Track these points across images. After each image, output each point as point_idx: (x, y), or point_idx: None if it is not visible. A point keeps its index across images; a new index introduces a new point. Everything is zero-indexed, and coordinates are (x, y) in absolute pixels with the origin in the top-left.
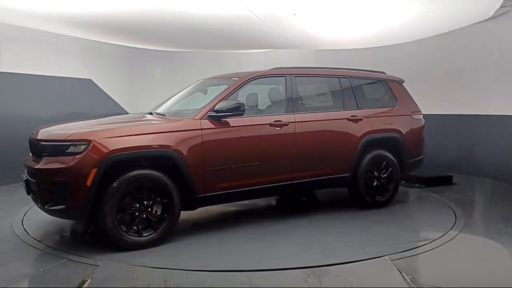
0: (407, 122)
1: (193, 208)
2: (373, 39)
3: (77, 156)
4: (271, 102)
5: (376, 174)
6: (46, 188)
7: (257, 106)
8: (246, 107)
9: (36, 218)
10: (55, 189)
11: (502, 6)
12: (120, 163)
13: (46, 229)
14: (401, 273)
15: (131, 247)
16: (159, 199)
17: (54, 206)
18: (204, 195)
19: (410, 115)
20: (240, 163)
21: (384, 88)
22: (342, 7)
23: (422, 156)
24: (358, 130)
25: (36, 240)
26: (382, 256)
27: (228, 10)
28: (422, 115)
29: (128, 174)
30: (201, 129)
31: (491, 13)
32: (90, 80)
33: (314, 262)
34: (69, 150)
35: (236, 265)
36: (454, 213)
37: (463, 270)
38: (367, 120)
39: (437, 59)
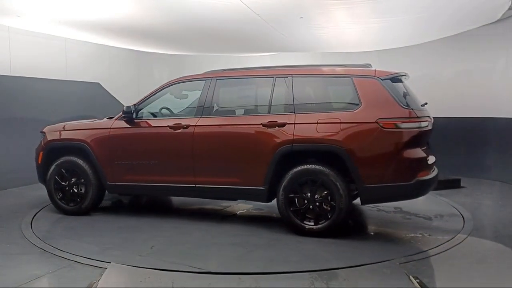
0: (367, 132)
1: (111, 192)
2: (380, 41)
3: (40, 143)
4: (197, 107)
5: (308, 195)
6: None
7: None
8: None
9: (45, 221)
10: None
11: (510, 9)
12: (57, 150)
13: (55, 232)
14: (408, 276)
15: (63, 211)
16: (82, 180)
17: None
18: (114, 183)
19: (376, 122)
20: (140, 160)
21: (346, 87)
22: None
23: (411, 182)
24: (273, 138)
25: (45, 242)
26: (390, 260)
27: (235, 13)
28: (412, 124)
29: (60, 158)
30: (110, 128)
31: (499, 16)
32: (98, 84)
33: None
34: (42, 138)
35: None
36: (462, 216)
37: (471, 273)
38: (290, 127)
39: (445, 61)
